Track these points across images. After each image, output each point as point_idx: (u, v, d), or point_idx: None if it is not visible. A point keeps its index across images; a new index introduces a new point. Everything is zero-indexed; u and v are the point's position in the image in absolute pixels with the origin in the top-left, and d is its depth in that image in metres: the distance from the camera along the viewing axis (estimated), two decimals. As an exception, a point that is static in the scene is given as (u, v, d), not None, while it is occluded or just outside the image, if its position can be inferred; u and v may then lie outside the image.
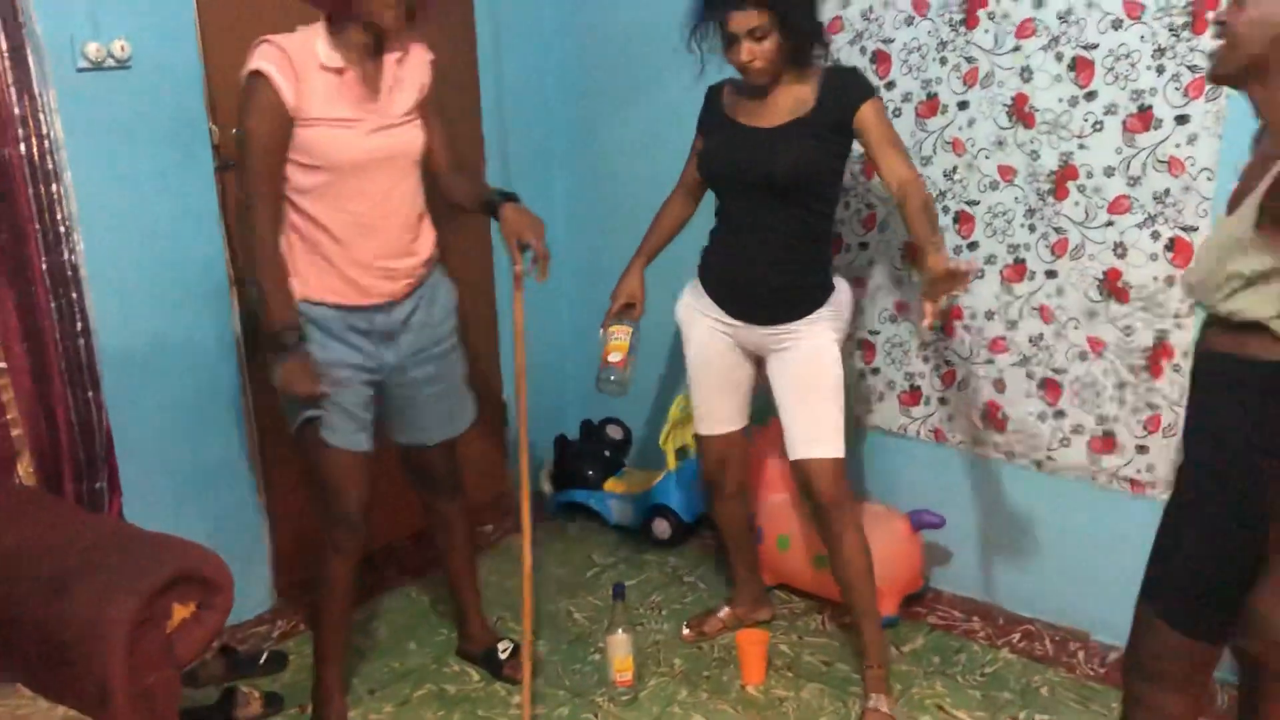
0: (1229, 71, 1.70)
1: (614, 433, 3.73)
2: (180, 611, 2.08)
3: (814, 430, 2.55)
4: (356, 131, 2.32)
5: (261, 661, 2.82)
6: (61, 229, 2.47)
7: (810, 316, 2.56)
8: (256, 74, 2.23)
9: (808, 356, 2.56)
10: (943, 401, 3.01)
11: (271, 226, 2.32)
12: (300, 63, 2.25)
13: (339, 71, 2.29)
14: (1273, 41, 1.61)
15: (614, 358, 2.68)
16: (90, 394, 2.56)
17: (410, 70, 2.42)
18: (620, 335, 2.71)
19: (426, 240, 2.52)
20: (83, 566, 2.08)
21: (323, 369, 2.38)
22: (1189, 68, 2.44)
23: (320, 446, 2.44)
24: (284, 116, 2.26)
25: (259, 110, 2.24)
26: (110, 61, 2.55)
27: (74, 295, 2.51)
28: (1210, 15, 2.37)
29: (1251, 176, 1.70)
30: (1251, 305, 1.66)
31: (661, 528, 3.43)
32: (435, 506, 2.79)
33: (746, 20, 2.35)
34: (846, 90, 2.44)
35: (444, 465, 2.73)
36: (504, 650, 2.81)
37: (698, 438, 2.86)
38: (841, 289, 2.64)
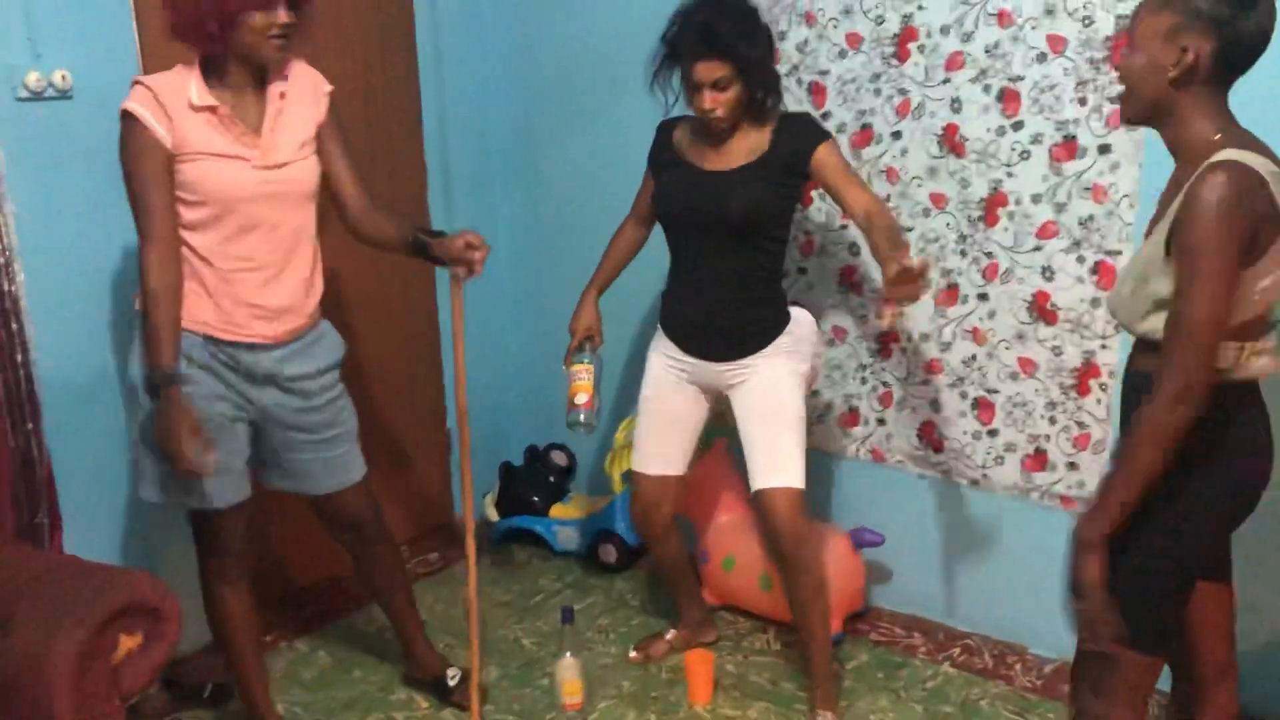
0: (1135, 114, 1.82)
1: (559, 459, 3.75)
2: (127, 642, 2.07)
3: (772, 461, 2.59)
4: (238, 167, 2.24)
5: (206, 694, 2.80)
6: (1, 259, 2.45)
7: (765, 350, 2.61)
8: (126, 115, 2.17)
9: (764, 388, 2.61)
10: (881, 422, 3.09)
11: (160, 268, 2.20)
12: (170, 102, 2.18)
13: (212, 110, 2.21)
14: (1168, 84, 1.72)
15: (580, 399, 2.71)
16: (30, 426, 2.53)
17: (298, 102, 2.33)
18: (584, 375, 2.74)
19: (316, 286, 2.43)
20: (26, 600, 2.06)
21: (203, 424, 2.23)
22: (1109, 99, 2.55)
23: (200, 515, 2.40)
24: (163, 154, 2.18)
25: (134, 153, 2.18)
26: (51, 91, 2.54)
27: (14, 326, 2.49)
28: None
29: (1164, 204, 1.80)
30: (1163, 326, 1.75)
31: (608, 553, 3.45)
32: (355, 552, 2.69)
33: (711, 71, 2.42)
34: (800, 135, 2.52)
35: (351, 512, 2.59)
36: (452, 677, 2.80)
37: (633, 474, 2.87)
38: (800, 320, 2.67)
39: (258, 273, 2.30)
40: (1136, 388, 1.87)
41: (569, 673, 2.70)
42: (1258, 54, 1.75)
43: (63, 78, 2.55)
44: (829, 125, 2.96)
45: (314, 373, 2.42)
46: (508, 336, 3.85)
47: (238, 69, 2.23)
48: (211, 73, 2.24)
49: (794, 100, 3.00)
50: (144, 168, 2.18)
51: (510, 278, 3.80)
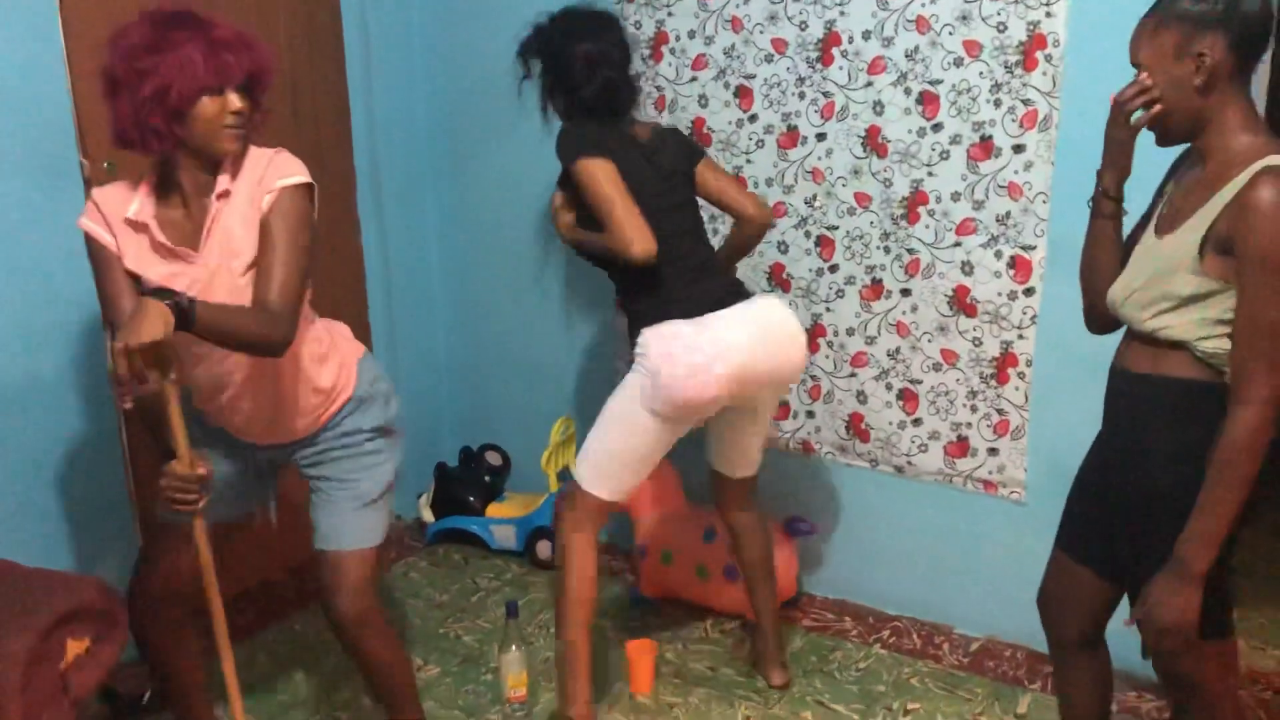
0: (1178, 135, 1.81)
1: (493, 459, 3.78)
2: (74, 647, 2.05)
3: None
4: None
5: (144, 701, 2.78)
6: (-71, 264, 2.40)
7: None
8: (85, 234, 2.06)
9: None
10: (810, 415, 3.19)
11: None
12: (112, 215, 2.04)
13: (142, 227, 2.03)
14: (1196, 94, 1.72)
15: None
16: (-39, 433, 2.48)
17: (242, 204, 2.05)
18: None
19: (305, 399, 2.20)
20: (-31, 606, 2.03)
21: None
22: (1022, 101, 2.68)
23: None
24: (119, 263, 2.05)
25: (96, 268, 2.06)
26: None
27: (-57, 332, 2.43)
28: (1040, 55, 2.62)
29: (1184, 203, 1.79)
30: (1177, 326, 1.77)
31: (545, 549, 3.49)
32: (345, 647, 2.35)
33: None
34: (682, 148, 2.62)
35: (322, 584, 2.27)
36: None
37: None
38: (648, 340, 2.48)
39: (219, 393, 2.16)
40: (1129, 390, 1.89)
41: (514, 666, 2.73)
42: (1269, 31, 1.75)
43: None
44: (755, 127, 3.06)
45: (340, 437, 2.28)
46: (439, 339, 3.87)
47: (193, 169, 2.04)
48: (166, 179, 2.05)
49: (720, 103, 3.09)
50: (108, 282, 2.05)
51: (440, 279, 3.82)
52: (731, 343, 2.42)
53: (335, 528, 2.26)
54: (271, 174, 2.06)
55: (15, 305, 2.63)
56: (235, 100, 1.99)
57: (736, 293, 2.54)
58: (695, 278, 2.52)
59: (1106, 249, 1.98)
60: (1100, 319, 2.01)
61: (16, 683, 1.93)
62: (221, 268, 2.06)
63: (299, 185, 2.07)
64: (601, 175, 2.41)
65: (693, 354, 2.40)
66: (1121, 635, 2.82)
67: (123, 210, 2.05)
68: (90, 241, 2.07)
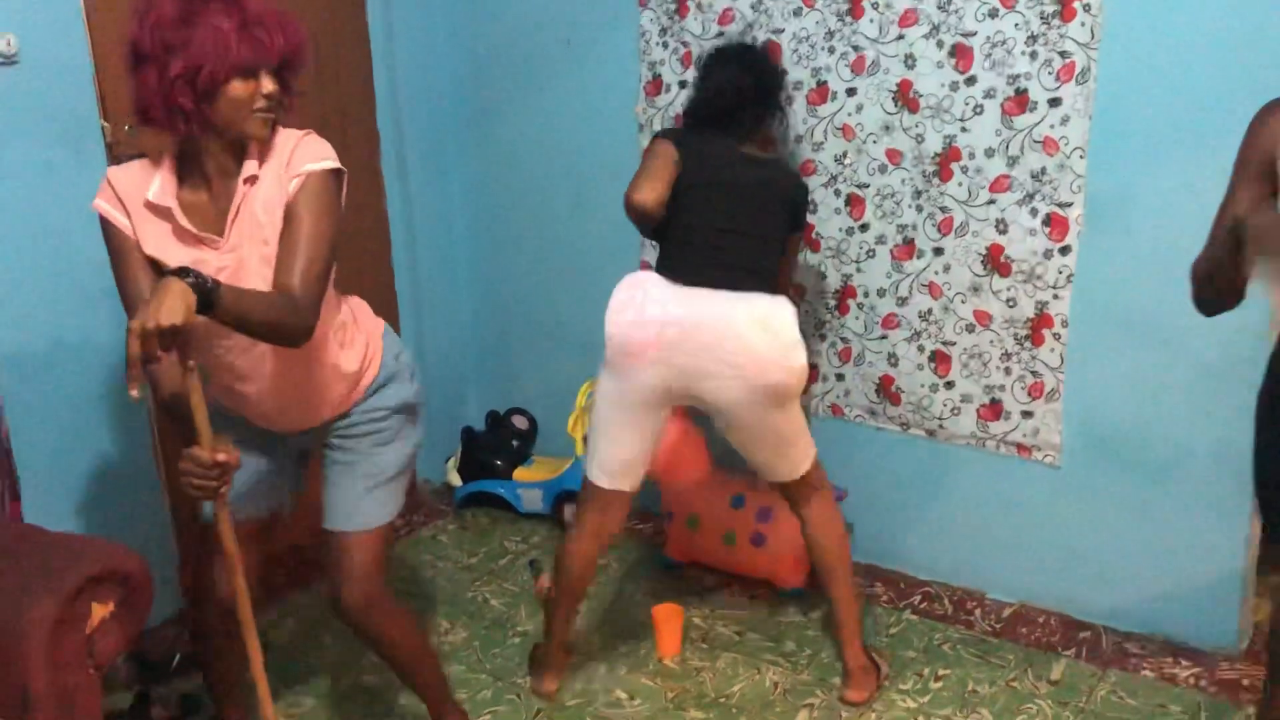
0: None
1: (520, 422, 3.77)
2: (99, 611, 2.05)
3: None
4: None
5: (173, 665, 2.79)
6: (-49, 230, 2.39)
7: None
8: (99, 216, 1.96)
9: None
10: (839, 378, 3.14)
11: (167, 374, 1.93)
12: (128, 196, 1.94)
13: (164, 210, 1.94)
14: None
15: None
16: (-13, 398, 2.49)
17: (268, 189, 1.96)
18: None
19: (334, 388, 2.15)
20: (-5, 570, 2.04)
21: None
22: (1059, 53, 2.59)
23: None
24: (136, 247, 1.95)
25: (111, 253, 1.96)
26: (-3, 57, 2.49)
27: (-34, 297, 2.43)
28: (1078, 4, 2.53)
29: None
30: None
31: (572, 513, 3.46)
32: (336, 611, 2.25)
33: None
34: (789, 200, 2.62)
35: (329, 563, 2.22)
36: None
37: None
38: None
39: (244, 383, 2.09)
40: None
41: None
42: None
43: (8, 43, 2.49)
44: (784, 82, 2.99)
45: (360, 419, 2.22)
46: (465, 303, 3.84)
47: (218, 152, 1.94)
48: (188, 160, 1.95)
49: (749, 59, 3.02)
50: (124, 266, 1.95)
51: (466, 242, 3.79)
52: (681, 299, 2.40)
53: (347, 508, 2.19)
54: (299, 158, 1.97)
55: (39, 269, 2.62)
56: (268, 83, 1.89)
57: (727, 282, 2.43)
58: (697, 256, 2.48)
59: None
60: (1222, 308, 1.85)
61: (42, 647, 1.94)
62: (247, 255, 1.97)
63: (327, 171, 1.98)
64: (657, 148, 2.52)
65: (634, 291, 2.44)
66: (1156, 602, 2.79)
67: (141, 192, 1.94)
68: (105, 224, 1.96)
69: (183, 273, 1.72)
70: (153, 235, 1.95)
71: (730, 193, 2.51)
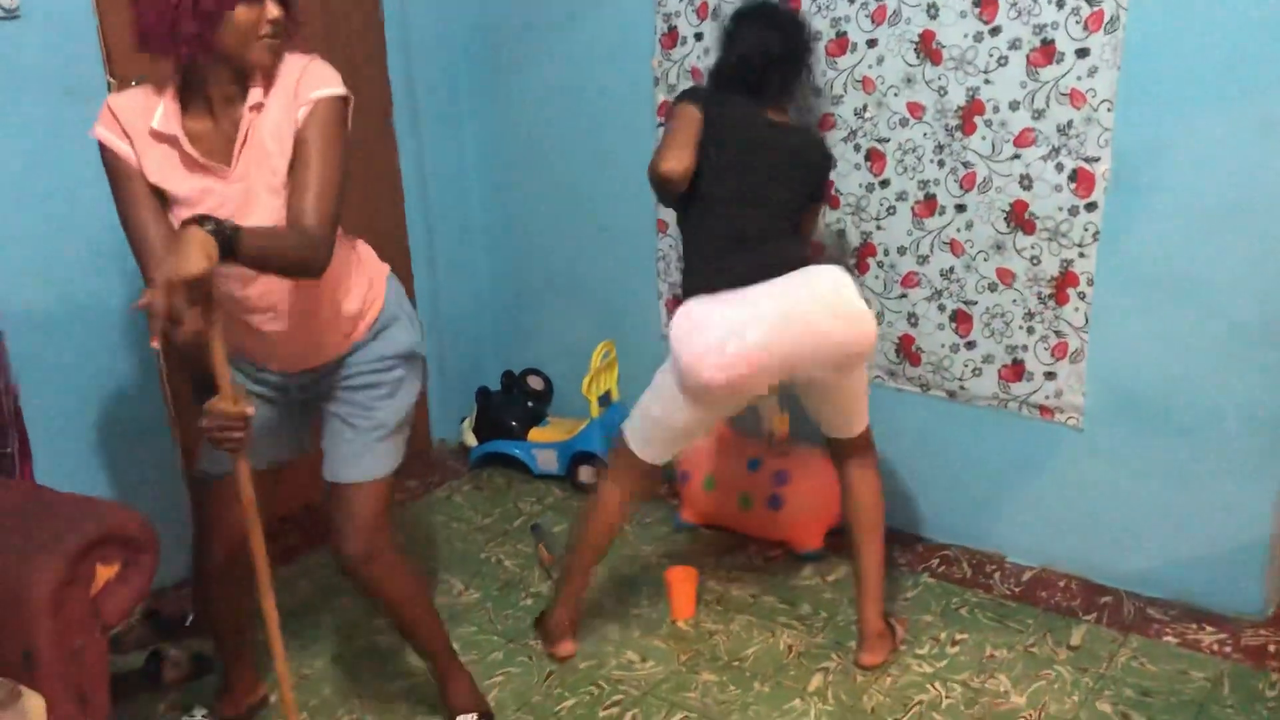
0: None
1: (535, 383, 3.73)
2: (104, 572, 2.04)
3: None
4: (196, 208, 1.89)
5: (187, 623, 2.79)
6: (-46, 187, 2.36)
7: None
8: (99, 143, 1.91)
9: None
10: (859, 337, 3.07)
11: None
12: (131, 124, 1.89)
13: (171, 139, 1.90)
14: None
15: None
16: (-5, 357, 2.47)
17: (276, 116, 1.92)
18: None
19: (338, 325, 2.12)
20: (1, 531, 2.02)
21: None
22: (1087, 1, 2.50)
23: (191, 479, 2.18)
24: (139, 173, 1.90)
25: (111, 178, 1.91)
26: (-2, 11, 2.45)
27: (-29, 256, 2.41)
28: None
29: None
30: None
31: (587, 474, 3.45)
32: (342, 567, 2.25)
33: None
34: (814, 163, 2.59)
35: (337, 516, 2.20)
36: None
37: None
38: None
39: (249, 314, 2.04)
40: None
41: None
42: None
43: (9, -4, 2.46)
44: (803, 35, 2.91)
45: (360, 367, 2.18)
46: (479, 262, 3.80)
47: (222, 80, 1.89)
48: (191, 88, 1.90)
49: (767, 10, 2.94)
50: (128, 196, 1.90)
51: (480, 200, 3.74)
52: (750, 319, 2.31)
53: (349, 459, 2.17)
54: (307, 84, 1.92)
55: (47, 227, 2.60)
56: (273, 8, 1.85)
57: (771, 266, 2.37)
58: (730, 248, 2.41)
59: None
60: None
61: (46, 607, 1.92)
62: (255, 184, 1.93)
63: (335, 97, 1.93)
64: (682, 111, 2.43)
65: (705, 333, 2.33)
66: (1180, 567, 2.73)
67: (144, 120, 1.89)
68: (106, 153, 1.91)
69: (201, 221, 1.70)
70: (157, 164, 1.91)
71: (753, 157, 2.43)
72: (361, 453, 2.17)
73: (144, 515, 2.11)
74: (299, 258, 1.87)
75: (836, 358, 2.37)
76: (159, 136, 1.90)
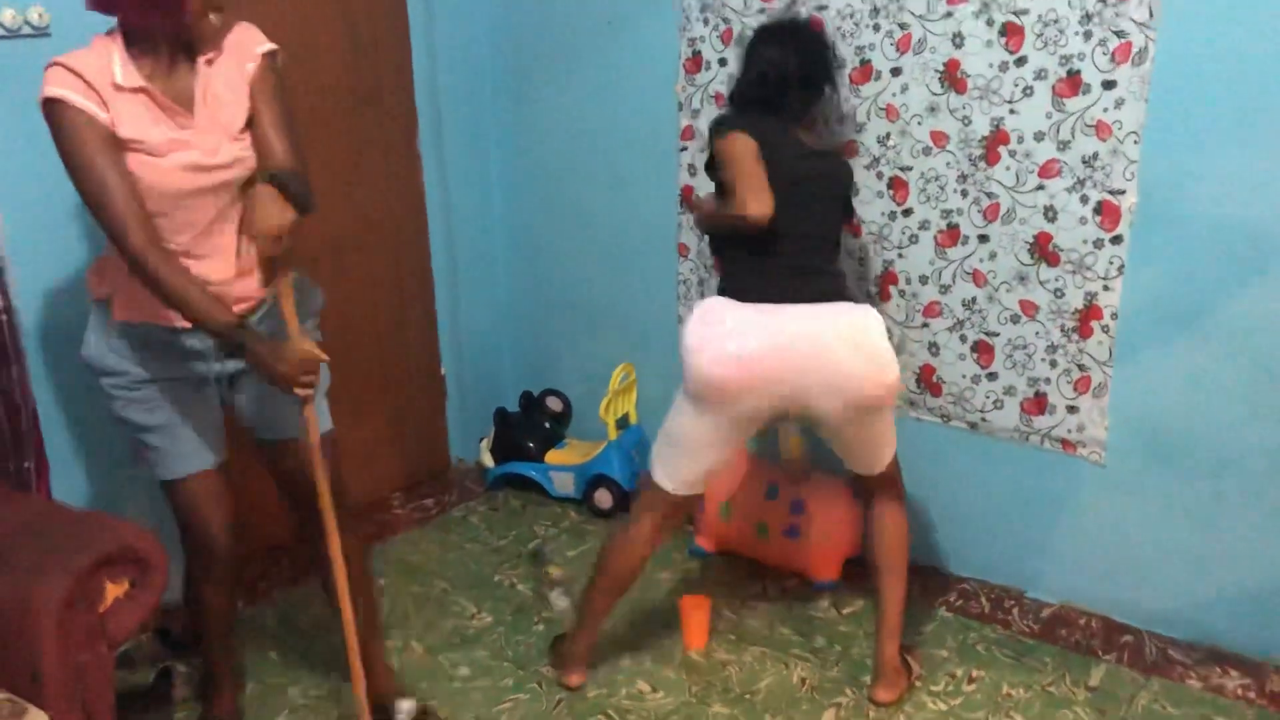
0: None
1: (553, 404, 3.72)
2: (113, 590, 2.04)
3: None
4: (170, 160, 1.99)
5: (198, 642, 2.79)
6: (-21, 202, 2.39)
7: None
8: (53, 102, 1.90)
9: None
10: (879, 367, 3.04)
11: (158, 256, 1.95)
12: (97, 83, 1.93)
13: (139, 90, 1.97)
14: None
15: None
16: (14, 371, 2.49)
17: (228, 70, 2.07)
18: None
19: (247, 260, 2.18)
20: (11, 546, 2.03)
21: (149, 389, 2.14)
22: (1115, 33, 2.47)
23: (168, 486, 2.22)
24: (107, 133, 1.93)
25: (77, 142, 1.91)
26: (27, 29, 2.47)
27: (-6, 270, 2.43)
28: (1135, -20, 2.41)
29: None
30: None
31: (604, 498, 3.43)
32: (307, 538, 2.36)
33: None
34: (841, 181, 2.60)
35: (305, 472, 2.26)
36: (404, 713, 2.47)
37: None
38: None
39: (201, 265, 2.09)
40: None
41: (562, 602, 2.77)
42: None
43: (39, 15, 2.48)
44: (827, 62, 2.89)
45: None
46: (500, 282, 3.80)
47: (170, 38, 2.00)
48: (136, 45, 1.98)
49: (792, 36, 2.93)
50: (93, 153, 1.91)
51: (503, 221, 3.74)
52: (761, 326, 2.29)
53: (310, 413, 2.18)
54: (246, 41, 2.12)
55: (71, 243, 2.61)
56: None
57: (808, 293, 2.35)
58: (775, 270, 2.39)
59: None
60: None
61: (52, 626, 1.93)
62: (218, 132, 2.06)
63: (273, 51, 2.14)
64: (741, 146, 2.39)
65: (713, 327, 2.31)
66: (1203, 608, 2.67)
67: (105, 76, 1.94)
68: (69, 111, 1.90)
69: (261, 177, 2.03)
70: (129, 117, 1.96)
71: (795, 190, 2.39)
72: (321, 407, 2.29)
73: (154, 533, 2.12)
74: (308, 191, 2.09)
75: (851, 396, 2.31)
76: (126, 90, 1.96)
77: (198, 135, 2.03)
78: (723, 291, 2.43)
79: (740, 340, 2.28)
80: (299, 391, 2.07)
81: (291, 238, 2.05)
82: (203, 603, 2.38)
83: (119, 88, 1.95)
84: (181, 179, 2.01)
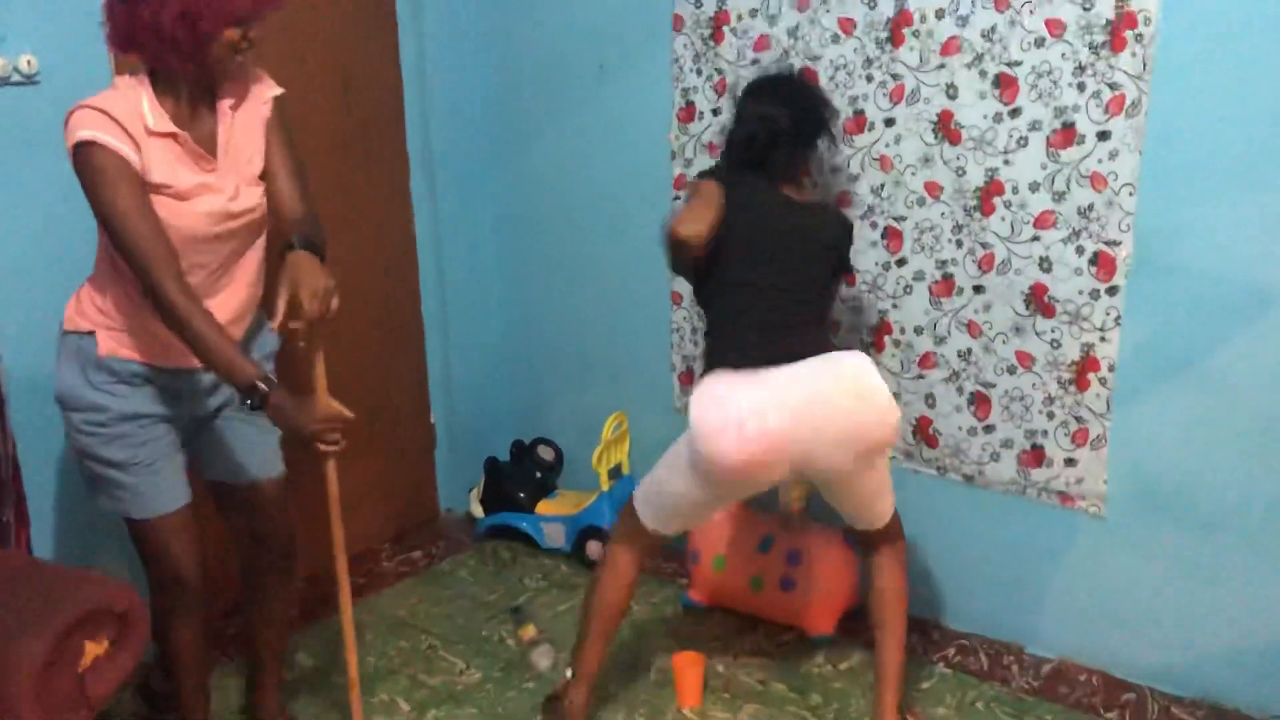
0: None
1: (545, 454, 3.68)
2: (93, 649, 2.00)
3: None
4: (194, 204, 2.04)
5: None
6: (-36, 251, 2.36)
7: None
8: (87, 145, 1.92)
9: None
10: (875, 417, 3.01)
11: (186, 301, 1.97)
12: (130, 126, 1.96)
13: (171, 136, 2.01)
14: None
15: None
16: (-8, 417, 2.45)
17: (251, 116, 2.15)
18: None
19: (255, 299, 2.26)
20: (-13, 605, 1.98)
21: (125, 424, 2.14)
22: (1109, 85, 2.47)
23: (140, 525, 2.20)
24: (139, 177, 1.96)
25: (111, 180, 1.93)
26: (17, 77, 2.46)
27: (-23, 321, 2.39)
28: (1129, 34, 2.42)
29: None
30: None
31: (595, 550, 3.37)
32: (257, 571, 2.45)
33: None
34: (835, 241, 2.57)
35: (269, 515, 2.38)
36: None
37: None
38: None
39: (209, 298, 2.12)
40: None
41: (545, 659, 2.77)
42: None
43: (29, 63, 2.47)
44: (821, 112, 2.89)
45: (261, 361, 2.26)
46: (493, 330, 3.77)
47: (193, 83, 2.04)
48: (160, 85, 2.02)
49: (785, 87, 2.93)
50: (125, 196, 1.93)
51: (495, 269, 3.72)
52: (773, 401, 2.26)
53: (269, 456, 2.35)
54: (263, 87, 2.17)
55: (56, 292, 2.52)
56: (254, 30, 2.01)
57: (796, 351, 2.32)
58: (756, 329, 2.36)
59: None
60: None
61: (30, 688, 1.88)
62: (238, 178, 2.10)
63: (282, 95, 2.20)
64: (706, 186, 2.41)
65: (726, 409, 2.27)
66: (1205, 663, 2.63)
67: (136, 120, 1.97)
68: (102, 155, 1.92)
69: (298, 243, 2.06)
70: (159, 160, 1.99)
71: (775, 244, 2.39)
72: (275, 450, 2.36)
73: (135, 589, 2.07)
74: (325, 240, 2.14)
75: (858, 443, 2.29)
76: (158, 134, 1.99)
77: (220, 180, 2.08)
78: (709, 355, 2.41)
79: (759, 419, 2.24)
80: (324, 449, 2.09)
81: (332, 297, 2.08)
82: (175, 641, 2.33)
83: (151, 132, 1.98)
84: (204, 223, 2.06)
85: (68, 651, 1.95)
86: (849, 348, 2.41)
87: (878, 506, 2.48)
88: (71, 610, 1.95)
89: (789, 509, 2.98)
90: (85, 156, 1.94)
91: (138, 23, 1.93)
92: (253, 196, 2.13)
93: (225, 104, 2.09)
